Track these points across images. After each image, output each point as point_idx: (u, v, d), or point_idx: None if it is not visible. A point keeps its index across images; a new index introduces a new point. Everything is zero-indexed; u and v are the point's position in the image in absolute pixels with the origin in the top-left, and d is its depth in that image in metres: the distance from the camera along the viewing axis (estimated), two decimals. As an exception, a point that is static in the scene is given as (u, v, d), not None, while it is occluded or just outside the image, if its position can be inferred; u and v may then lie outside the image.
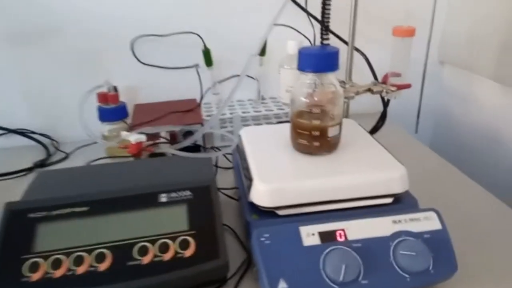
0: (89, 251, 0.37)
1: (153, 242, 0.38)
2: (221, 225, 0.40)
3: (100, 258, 0.36)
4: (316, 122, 0.44)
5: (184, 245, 0.38)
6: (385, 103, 0.67)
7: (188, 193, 0.42)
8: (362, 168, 0.44)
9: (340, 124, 0.46)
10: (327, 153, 0.46)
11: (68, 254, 0.36)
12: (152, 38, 0.75)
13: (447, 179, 0.62)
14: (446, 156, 0.69)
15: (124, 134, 0.55)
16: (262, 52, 0.76)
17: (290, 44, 0.73)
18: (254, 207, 0.42)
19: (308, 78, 0.44)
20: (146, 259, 0.36)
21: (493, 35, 0.71)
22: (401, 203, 0.44)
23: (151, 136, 0.59)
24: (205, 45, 0.74)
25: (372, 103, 0.84)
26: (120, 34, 0.74)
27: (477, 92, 0.80)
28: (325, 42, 0.44)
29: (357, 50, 0.67)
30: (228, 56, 0.78)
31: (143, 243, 0.37)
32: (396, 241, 0.38)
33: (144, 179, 0.44)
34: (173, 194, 0.41)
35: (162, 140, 0.59)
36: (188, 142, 0.53)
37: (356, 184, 0.42)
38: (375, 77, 0.66)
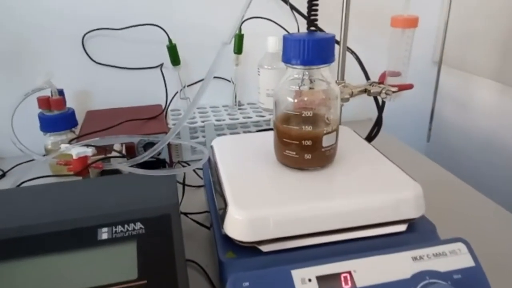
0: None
1: (87, 299, 0.27)
2: (184, 268, 0.30)
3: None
4: (308, 129, 0.35)
5: (131, 301, 0.28)
6: (380, 107, 0.58)
7: (139, 226, 0.31)
8: (367, 187, 0.35)
9: (336, 131, 0.37)
10: (321, 168, 0.37)
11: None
12: (107, 33, 0.65)
13: (457, 195, 0.54)
14: (444, 166, 0.61)
15: (64, 147, 0.43)
16: (239, 50, 0.66)
17: (270, 41, 0.64)
18: (229, 241, 0.33)
19: (296, 72, 0.35)
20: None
21: (491, 30, 0.65)
22: (416, 230, 0.35)
23: (102, 149, 0.47)
24: (170, 40, 0.64)
25: (360, 108, 0.76)
26: (68, 27, 0.64)
27: (475, 94, 0.73)
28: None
29: (348, 48, 0.58)
30: (199, 54, 0.67)
31: (72, 301, 0.27)
32: (420, 286, 0.29)
33: (80, 208, 0.33)
34: (118, 228, 0.31)
35: (115, 154, 0.48)
36: (146, 155, 0.42)
37: (361, 208, 0.33)
38: (368, 79, 0.58)
